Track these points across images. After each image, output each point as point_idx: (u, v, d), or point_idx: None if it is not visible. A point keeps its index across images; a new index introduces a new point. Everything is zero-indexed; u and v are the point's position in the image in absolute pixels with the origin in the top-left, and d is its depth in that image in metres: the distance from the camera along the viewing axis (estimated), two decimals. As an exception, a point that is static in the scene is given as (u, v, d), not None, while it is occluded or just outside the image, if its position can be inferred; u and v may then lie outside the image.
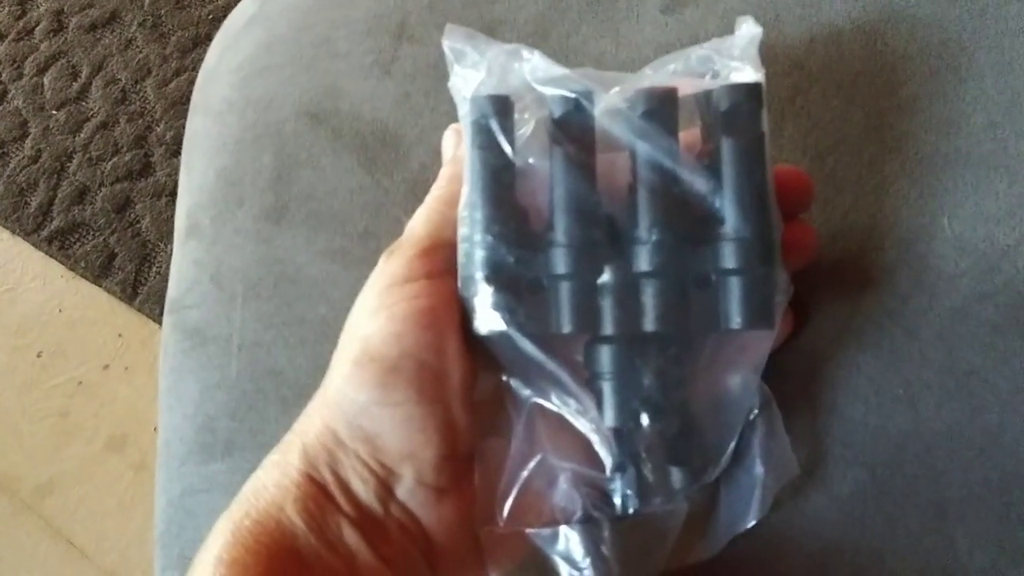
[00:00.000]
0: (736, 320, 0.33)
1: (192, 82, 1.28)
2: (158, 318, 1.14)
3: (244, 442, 0.43)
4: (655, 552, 0.35)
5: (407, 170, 0.45)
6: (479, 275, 0.34)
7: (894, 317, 0.37)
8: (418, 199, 0.44)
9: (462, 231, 0.34)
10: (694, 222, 0.33)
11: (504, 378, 0.35)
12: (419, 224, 0.36)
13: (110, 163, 1.23)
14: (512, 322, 0.34)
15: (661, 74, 0.35)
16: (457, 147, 0.39)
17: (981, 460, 0.35)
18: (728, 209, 0.33)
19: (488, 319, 0.34)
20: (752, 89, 0.34)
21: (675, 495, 0.35)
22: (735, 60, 0.34)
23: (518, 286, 0.34)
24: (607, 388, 0.34)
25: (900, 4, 0.41)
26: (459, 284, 0.34)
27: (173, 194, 1.20)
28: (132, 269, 1.17)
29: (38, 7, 1.38)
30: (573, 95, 0.34)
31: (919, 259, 0.38)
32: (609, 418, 0.34)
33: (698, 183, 0.33)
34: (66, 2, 1.37)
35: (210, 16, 1.29)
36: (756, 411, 0.35)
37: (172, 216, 1.22)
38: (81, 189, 1.23)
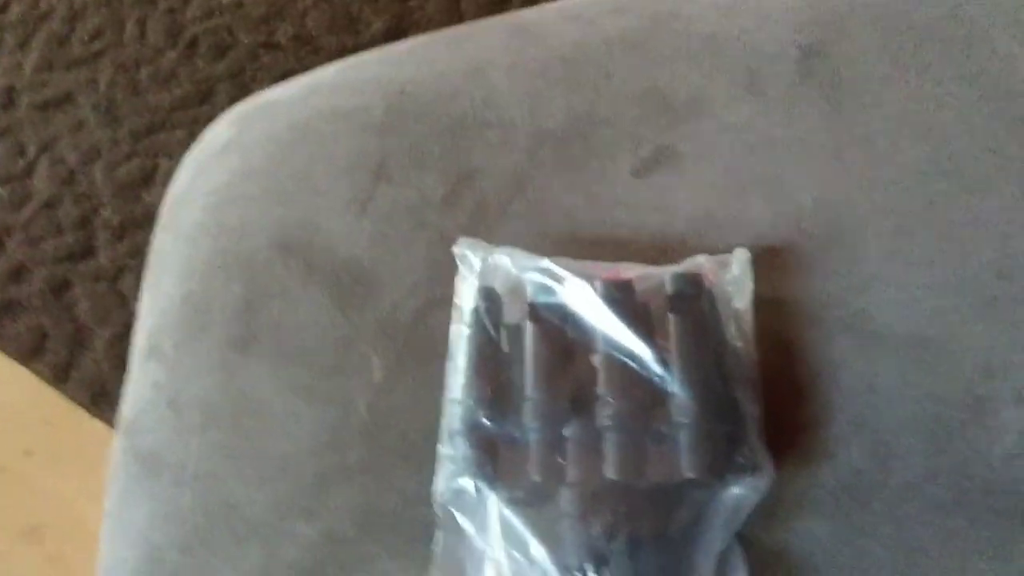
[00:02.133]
0: (687, 469, 0.36)
1: (143, 169, 1.28)
2: (88, 406, 1.11)
3: (193, 579, 0.42)
4: None
5: (379, 309, 0.46)
6: (457, 432, 0.38)
7: (849, 490, 0.39)
8: (389, 338, 0.45)
9: (450, 395, 0.38)
10: (650, 387, 0.38)
11: (466, 531, 0.37)
12: None
13: (51, 243, 1.21)
14: (482, 474, 0.36)
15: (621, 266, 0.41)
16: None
17: (928, 640, 0.36)
18: (675, 374, 0.38)
19: (464, 472, 0.36)
20: (694, 278, 0.40)
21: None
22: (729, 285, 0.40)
23: (492, 443, 0.37)
24: (566, 528, 0.36)
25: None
26: (440, 441, 0.37)
27: (115, 279, 1.18)
28: (64, 353, 1.14)
29: (-11, 81, 1.37)
30: (547, 283, 0.40)
31: (872, 433, 0.39)
32: (567, 554, 0.35)
33: (650, 355, 0.38)
34: (20, 80, 1.36)
35: (167, 105, 1.29)
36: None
37: (111, 301, 1.19)
38: (18, 267, 1.20)
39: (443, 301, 0.44)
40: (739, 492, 0.38)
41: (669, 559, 0.36)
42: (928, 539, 0.38)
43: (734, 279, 0.42)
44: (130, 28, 1.34)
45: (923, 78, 0.47)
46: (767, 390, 0.40)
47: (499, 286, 0.41)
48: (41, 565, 1.04)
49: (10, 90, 1.36)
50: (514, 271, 0.41)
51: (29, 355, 1.15)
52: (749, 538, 0.38)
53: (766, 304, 0.42)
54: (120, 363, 1.22)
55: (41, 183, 1.27)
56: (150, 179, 1.22)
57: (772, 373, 0.41)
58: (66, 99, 1.34)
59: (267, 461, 0.44)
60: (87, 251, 1.21)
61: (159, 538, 0.44)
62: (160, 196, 1.28)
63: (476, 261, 0.42)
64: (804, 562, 0.38)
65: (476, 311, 0.41)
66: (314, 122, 0.52)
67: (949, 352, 0.41)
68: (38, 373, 1.15)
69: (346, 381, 0.44)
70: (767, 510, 0.39)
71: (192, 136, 1.33)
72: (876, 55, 0.48)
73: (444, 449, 0.39)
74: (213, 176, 0.52)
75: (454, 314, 0.42)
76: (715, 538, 0.37)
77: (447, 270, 0.45)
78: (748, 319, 0.41)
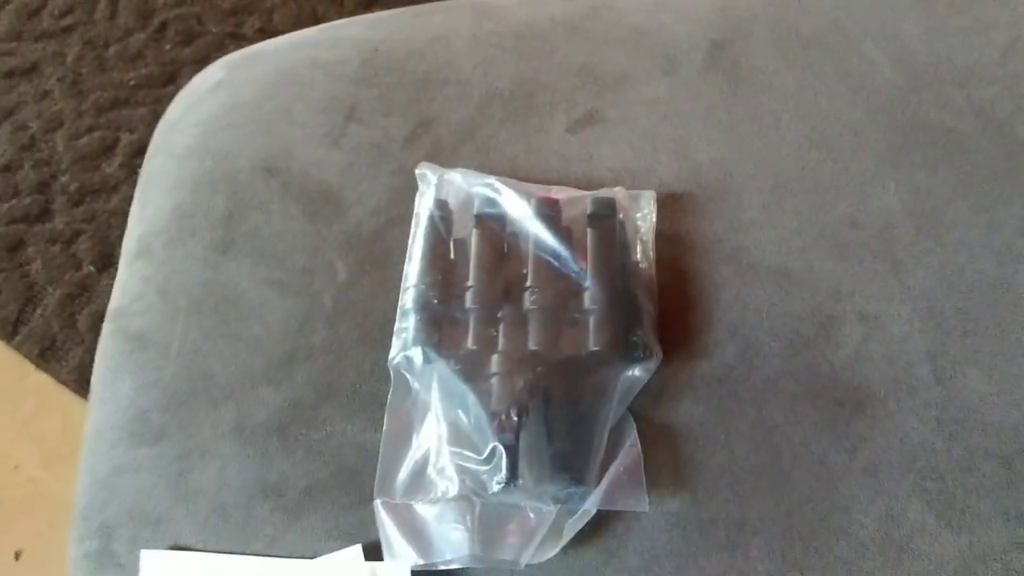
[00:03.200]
0: (592, 345, 0.44)
1: (104, 141, 1.33)
2: (35, 359, 1.15)
3: (173, 432, 0.49)
4: (521, 541, 0.43)
5: (345, 224, 0.54)
6: (409, 307, 0.46)
7: (722, 381, 0.48)
8: (352, 248, 0.53)
9: (406, 284, 0.47)
10: (568, 282, 0.47)
11: (414, 388, 0.45)
12: None
13: (7, 204, 1.25)
14: (429, 342, 0.44)
15: (554, 189, 0.51)
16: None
17: (775, 491, 0.45)
18: (588, 273, 0.47)
19: (414, 341, 0.44)
20: (609, 202, 0.50)
21: (546, 497, 0.44)
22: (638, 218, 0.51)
23: (439, 320, 0.45)
24: (495, 382, 0.44)
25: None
26: (397, 317, 0.45)
27: (69, 242, 1.23)
28: (15, 308, 1.18)
29: (-45, 47, 1.41)
30: (491, 197, 0.49)
31: (743, 339, 0.49)
32: (494, 402, 0.43)
33: (569, 257, 0.48)
34: (-14, 47, 1.40)
35: (131, 82, 1.35)
36: (631, 443, 0.45)
37: (64, 263, 1.24)
38: (-27, 225, 1.24)
39: (400, 220, 0.53)
40: (633, 374, 0.47)
41: (575, 418, 0.45)
42: (781, 420, 0.47)
43: (642, 214, 0.51)
44: (101, 8, 1.41)
45: (805, 73, 0.58)
46: (662, 303, 0.50)
47: (451, 200, 0.50)
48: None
49: (-24, 57, 1.40)
50: (465, 187, 0.50)
51: (-21, 309, 1.19)
52: (640, 414, 0.47)
53: (666, 237, 0.52)
54: (70, 321, 1.28)
55: (1, 147, 1.32)
56: (110, 150, 1.28)
57: (667, 290, 0.50)
58: (32, 69, 1.39)
59: (242, 341, 0.51)
60: (43, 214, 1.26)
61: (145, 402, 0.51)
62: (119, 168, 1.34)
63: (433, 179, 0.51)
64: (684, 435, 0.47)
65: (431, 217, 0.49)
66: (297, 69, 0.60)
67: (807, 281, 0.51)
68: (-14, 326, 1.18)
69: (314, 279, 0.52)
70: (656, 394, 0.48)
71: (155, 114, 1.40)
72: (770, 52, 0.59)
73: (399, 325, 0.47)
74: (204, 108, 0.60)
75: (413, 221, 0.51)
76: (612, 409, 0.46)
77: (405, 196, 0.54)
78: (651, 245, 0.51)
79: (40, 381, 1.15)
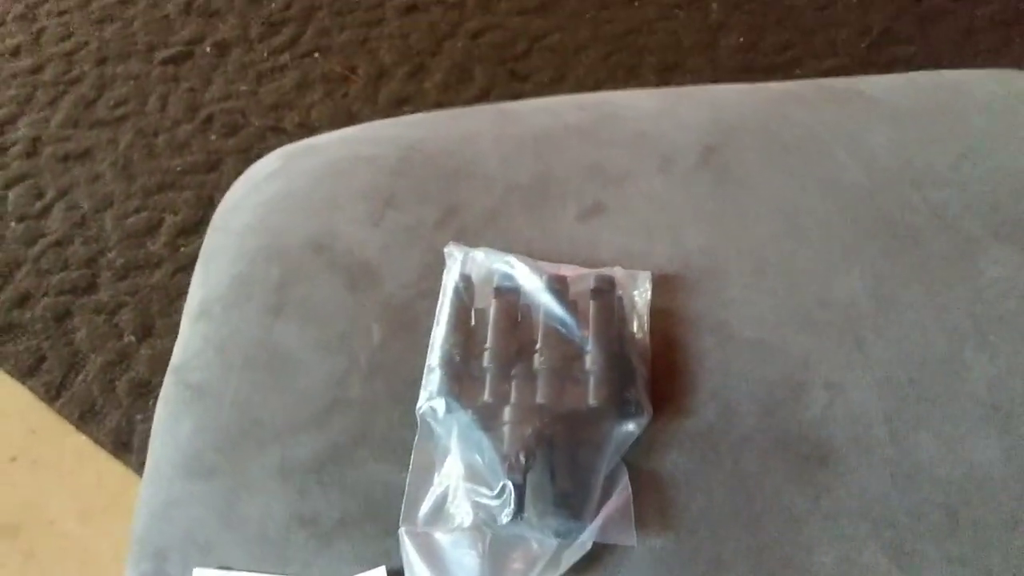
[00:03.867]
0: (592, 401, 0.52)
1: (150, 221, 1.43)
2: (76, 421, 1.23)
3: (224, 470, 0.57)
4: (524, 568, 0.50)
5: (380, 294, 0.62)
6: (435, 365, 0.54)
7: (705, 436, 0.55)
8: (387, 314, 0.62)
9: (432, 345, 0.56)
10: (572, 347, 0.55)
11: (437, 433, 0.53)
12: None
13: (57, 276, 1.35)
14: (451, 394, 0.51)
15: (563, 267, 0.59)
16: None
17: (747, 532, 0.52)
18: (590, 339, 0.55)
19: (438, 392, 0.52)
20: (610, 279, 0.58)
21: (548, 530, 0.50)
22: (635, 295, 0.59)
23: (460, 375, 0.53)
24: (507, 430, 0.51)
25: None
26: (424, 373, 0.54)
27: (112, 313, 1.32)
28: (59, 374, 1.27)
29: (17, 130, 1.53)
30: (508, 272, 0.58)
31: (724, 400, 0.56)
32: (505, 446, 0.51)
33: (574, 325, 0.56)
34: (45, 132, 1.52)
35: (178, 168, 1.46)
36: (623, 487, 0.52)
37: (107, 332, 1.33)
38: (24, 295, 1.34)
39: (429, 292, 0.61)
40: (627, 428, 0.54)
41: (575, 463, 0.52)
42: (755, 471, 0.54)
43: (639, 291, 0.59)
44: (153, 101, 1.53)
45: (785, 174, 0.67)
46: (654, 367, 0.58)
47: (474, 275, 0.58)
48: (14, 558, 1.14)
49: (35, 140, 1.53)
50: (486, 263, 0.58)
51: (26, 373, 1.28)
52: (632, 463, 0.54)
53: (660, 311, 0.60)
54: (110, 387, 1.37)
55: (54, 224, 1.43)
56: (155, 230, 1.38)
57: (659, 356, 0.58)
58: (86, 154, 1.50)
59: (288, 393, 0.59)
60: (90, 287, 1.35)
61: (200, 443, 0.58)
62: (162, 246, 1.44)
63: (459, 256, 0.60)
64: (669, 482, 0.54)
65: (456, 289, 0.58)
66: (343, 162, 0.70)
67: (780, 352, 0.58)
68: (32, 390, 1.27)
69: (352, 341, 0.60)
70: (647, 446, 0.55)
71: (198, 198, 1.52)
72: (755, 156, 0.68)
73: (426, 379, 0.55)
74: (262, 192, 0.69)
75: (441, 292, 0.59)
76: (608, 457, 0.53)
77: (434, 271, 0.62)
78: (646, 318, 0.59)
79: (79, 443, 1.22)
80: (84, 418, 1.24)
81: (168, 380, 0.63)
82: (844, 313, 0.59)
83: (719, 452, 0.55)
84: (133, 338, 1.30)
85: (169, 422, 0.61)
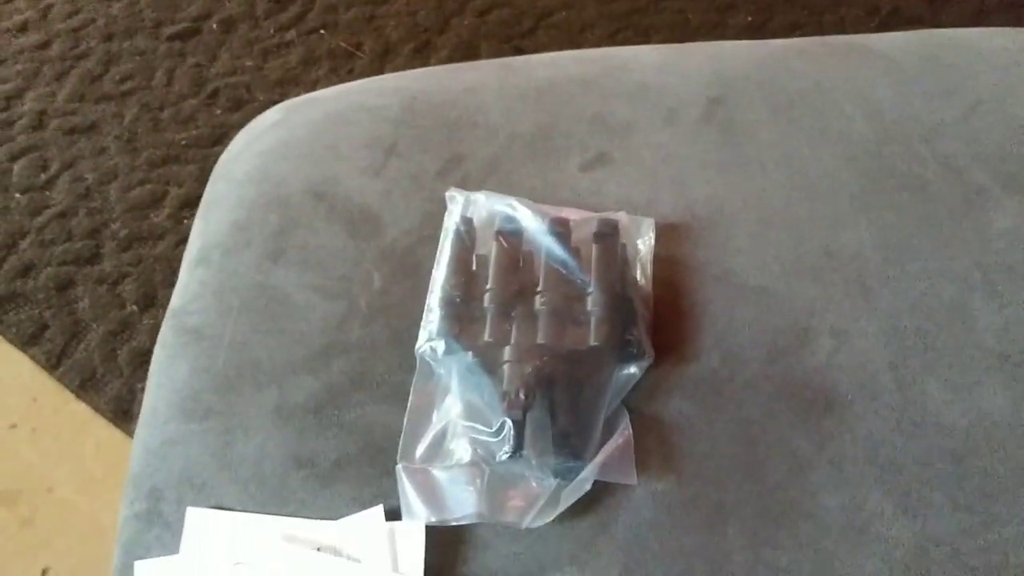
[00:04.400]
0: (593, 340, 0.51)
1: (154, 193, 1.43)
2: (76, 390, 1.22)
3: (220, 410, 0.56)
4: (523, 506, 0.49)
5: (381, 240, 0.62)
6: (435, 305, 0.54)
7: (708, 381, 0.55)
8: (387, 261, 0.61)
9: (432, 287, 0.55)
10: (574, 288, 0.55)
11: (436, 373, 0.52)
12: None
13: (60, 247, 1.35)
14: (451, 334, 0.51)
15: (565, 210, 0.58)
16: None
17: (750, 477, 0.51)
18: (592, 282, 0.54)
19: (438, 332, 0.51)
20: (613, 222, 0.57)
21: (547, 469, 0.50)
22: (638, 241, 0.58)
23: (460, 316, 0.53)
24: (507, 368, 0.50)
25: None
26: (424, 314, 0.53)
27: (115, 283, 1.32)
28: (60, 342, 1.26)
29: (22, 105, 1.53)
30: (511, 215, 0.57)
31: (727, 346, 0.56)
32: (505, 383, 0.50)
33: (576, 268, 0.55)
34: (51, 106, 1.52)
35: (182, 142, 1.45)
36: (624, 427, 0.51)
37: (110, 302, 1.32)
38: (28, 265, 1.33)
39: (430, 239, 0.61)
40: (628, 371, 0.53)
41: (575, 403, 0.51)
42: (758, 416, 0.53)
43: (643, 238, 0.59)
44: (159, 76, 1.53)
45: (790, 126, 0.66)
46: (657, 314, 0.57)
47: (476, 218, 0.58)
48: (11, 525, 1.14)
49: (41, 114, 1.53)
50: (488, 206, 0.58)
51: (28, 341, 1.28)
52: (633, 407, 0.53)
53: (663, 259, 0.59)
54: (111, 356, 1.37)
55: (59, 195, 1.42)
56: (159, 202, 1.38)
57: (661, 302, 0.57)
58: (92, 128, 1.50)
59: (286, 335, 0.59)
60: (93, 257, 1.35)
61: (197, 384, 0.58)
62: (166, 218, 1.44)
63: (460, 199, 0.59)
64: (671, 426, 0.53)
65: (457, 231, 0.57)
66: (345, 112, 0.69)
67: (785, 300, 0.57)
68: (34, 358, 1.27)
69: (352, 286, 0.60)
70: (648, 391, 0.54)
71: (202, 171, 1.52)
72: (760, 108, 0.67)
73: (426, 319, 0.54)
74: (263, 142, 0.68)
75: (441, 235, 0.59)
76: (609, 398, 0.52)
77: (435, 219, 0.62)
78: (648, 265, 0.58)
79: (79, 410, 1.22)
80: (84, 386, 1.24)
81: (166, 324, 0.63)
82: (850, 263, 0.59)
83: (722, 398, 0.54)
84: (135, 308, 1.29)
85: (166, 364, 0.60)
